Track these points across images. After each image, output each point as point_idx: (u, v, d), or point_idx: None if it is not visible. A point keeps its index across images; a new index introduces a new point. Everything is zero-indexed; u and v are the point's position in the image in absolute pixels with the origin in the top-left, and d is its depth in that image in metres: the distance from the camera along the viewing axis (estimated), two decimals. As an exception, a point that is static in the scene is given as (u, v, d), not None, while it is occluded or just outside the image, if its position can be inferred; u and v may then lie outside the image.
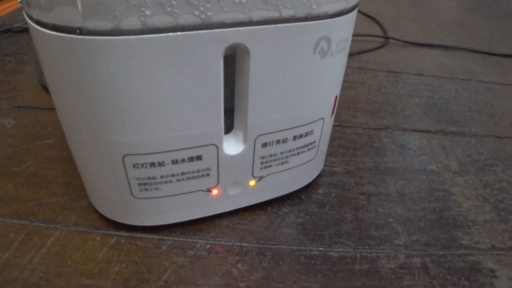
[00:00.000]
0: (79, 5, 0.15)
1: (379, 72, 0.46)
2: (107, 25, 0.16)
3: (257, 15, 0.18)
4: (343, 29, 0.21)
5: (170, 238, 0.24)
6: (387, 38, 0.53)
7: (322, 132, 0.25)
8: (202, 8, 0.16)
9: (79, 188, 0.27)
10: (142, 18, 0.16)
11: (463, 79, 0.46)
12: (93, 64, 0.17)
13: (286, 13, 0.18)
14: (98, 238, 0.24)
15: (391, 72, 0.46)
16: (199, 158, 0.21)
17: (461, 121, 0.38)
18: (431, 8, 0.71)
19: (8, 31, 0.52)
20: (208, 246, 0.24)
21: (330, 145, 0.33)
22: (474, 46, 0.55)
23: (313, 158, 0.26)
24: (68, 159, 0.30)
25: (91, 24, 0.16)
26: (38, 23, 0.16)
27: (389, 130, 0.36)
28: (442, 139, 0.35)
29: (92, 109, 0.18)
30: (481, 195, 0.29)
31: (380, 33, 0.56)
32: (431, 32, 0.60)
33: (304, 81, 0.21)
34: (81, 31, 0.16)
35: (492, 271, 0.24)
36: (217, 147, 0.21)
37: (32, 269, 0.22)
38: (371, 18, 0.60)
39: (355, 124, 0.36)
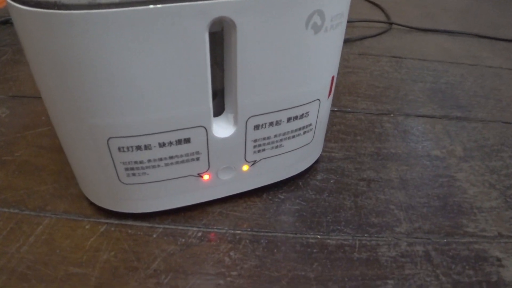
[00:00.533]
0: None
1: (382, 58, 0.44)
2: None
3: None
4: (337, 3, 0.19)
5: (161, 226, 0.23)
6: (391, 23, 0.52)
7: (319, 115, 0.24)
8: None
9: (70, 176, 0.27)
10: (119, -11, 0.15)
11: (469, 64, 0.45)
12: (71, 40, 0.16)
13: (274, -16, 0.17)
14: (87, 226, 0.23)
15: (394, 57, 0.45)
16: (187, 141, 0.20)
17: (466, 106, 0.37)
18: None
19: (5, 22, 0.52)
20: (200, 234, 0.23)
21: (330, 130, 0.32)
22: (480, 32, 0.53)
23: (310, 142, 0.25)
24: (60, 147, 0.29)
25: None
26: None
27: (392, 115, 0.34)
28: (447, 124, 0.34)
29: (73, 89, 0.17)
30: (487, 181, 0.28)
31: (383, 18, 0.55)
32: (435, 18, 0.58)
33: (297, 58, 0.20)
34: (58, 6, 0.15)
35: (498, 259, 0.22)
36: (206, 129, 0.20)
37: (19, 258, 0.21)
38: (374, 4, 0.58)
39: (356, 109, 0.35)
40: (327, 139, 0.31)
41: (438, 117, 0.35)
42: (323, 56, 0.21)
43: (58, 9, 0.15)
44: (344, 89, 0.38)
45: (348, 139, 0.31)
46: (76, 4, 0.15)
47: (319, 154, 0.28)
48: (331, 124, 0.33)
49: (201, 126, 0.20)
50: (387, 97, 0.37)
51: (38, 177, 0.27)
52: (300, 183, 0.27)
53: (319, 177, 0.27)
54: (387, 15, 0.55)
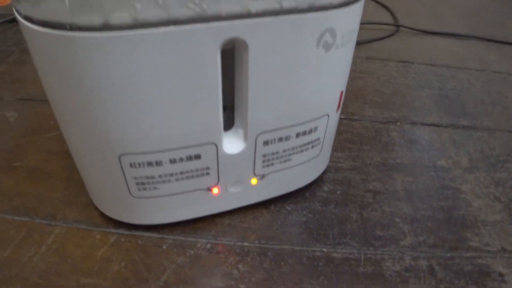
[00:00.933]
0: (66, 0, 0.14)
1: (389, 62, 0.44)
2: (96, 20, 0.15)
3: (256, 6, 0.16)
4: (349, 21, 0.19)
5: (171, 237, 0.24)
6: (398, 26, 0.51)
7: (327, 129, 0.24)
8: (196, 0, 0.15)
9: (79, 182, 0.27)
10: (132, 12, 0.15)
11: (476, 70, 0.44)
12: (83, 61, 0.16)
13: (287, 3, 0.17)
14: (98, 236, 0.24)
15: (401, 62, 0.44)
16: (198, 157, 0.20)
17: (473, 114, 0.37)
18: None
19: (12, 20, 0.51)
20: (208, 246, 0.23)
21: (337, 139, 0.32)
22: (488, 34, 0.53)
23: (318, 155, 0.25)
24: (69, 152, 0.30)
25: (79, 19, 0.15)
26: (26, 18, 0.16)
27: (398, 123, 0.34)
28: (453, 133, 0.34)
29: (84, 107, 0.18)
30: (492, 194, 0.28)
31: (390, 20, 0.54)
32: (443, 18, 0.58)
33: (307, 76, 0.20)
34: (70, 27, 0.15)
35: (501, 275, 0.23)
36: (217, 146, 0.20)
37: (31, 267, 0.22)
38: (381, 4, 0.58)
39: (363, 117, 0.35)
40: (334, 149, 0.31)
41: (445, 125, 0.35)
42: (334, 73, 0.21)
43: (71, 30, 0.15)
44: (351, 95, 0.38)
45: (355, 148, 0.31)
46: (89, 25, 0.15)
47: (326, 165, 0.28)
48: (338, 132, 0.33)
49: (212, 143, 0.20)
50: (394, 103, 0.37)
51: (48, 184, 0.27)
52: (307, 194, 0.27)
53: (325, 188, 0.28)
54: (394, 16, 0.55)
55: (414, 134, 0.33)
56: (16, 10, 0.16)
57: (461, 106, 0.38)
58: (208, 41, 0.16)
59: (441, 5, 0.62)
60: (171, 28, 0.16)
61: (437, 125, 0.35)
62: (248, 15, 0.16)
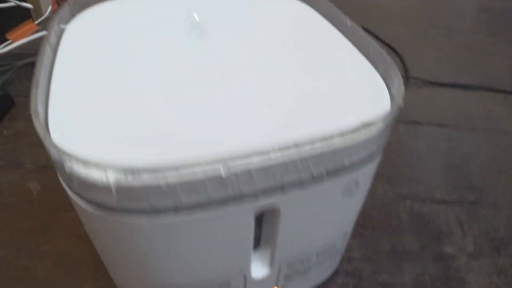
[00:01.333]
0: (114, 192, 0.16)
1: (399, 125, 0.45)
2: (142, 206, 0.16)
3: (289, 180, 0.18)
4: (372, 168, 0.21)
5: None
6: (408, 78, 0.52)
7: (343, 240, 0.25)
8: (235, 186, 0.17)
9: (108, 274, 0.29)
10: (176, 200, 0.16)
11: (483, 130, 0.46)
12: (128, 236, 0.17)
13: (317, 172, 0.18)
14: (129, 336, 0.25)
15: (411, 123, 0.46)
16: (227, 284, 0.22)
17: (479, 186, 0.38)
18: (452, 30, 0.68)
19: (29, 64, 0.45)
20: None
21: (348, 221, 0.34)
22: (495, 82, 0.53)
23: (333, 258, 0.27)
24: (95, 236, 0.31)
25: (126, 205, 0.16)
26: (76, 193, 0.17)
27: (407, 202, 0.36)
28: (459, 213, 0.35)
29: (127, 260, 0.19)
30: (494, 284, 0.30)
31: (399, 65, 0.55)
32: (452, 63, 0.58)
33: (331, 219, 0.21)
34: (116, 209, 0.16)
35: None
36: (245, 275, 0.22)
37: None
38: (392, 48, 0.58)
39: (375, 195, 0.36)
40: (346, 235, 0.32)
41: (452, 202, 0.36)
42: (355, 207, 0.22)
43: (117, 211, 0.16)
44: (361, 165, 0.39)
45: (367, 235, 0.33)
46: (135, 210, 0.16)
47: (340, 259, 0.30)
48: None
49: (241, 273, 0.22)
50: (404, 177, 0.38)
51: (79, 273, 0.29)
52: (322, 290, 0.29)
53: (339, 281, 0.29)
54: (404, 64, 0.55)
55: (423, 215, 0.35)
56: (66, 184, 0.18)
57: (467, 178, 0.39)
58: (243, 213, 0.18)
59: (450, 48, 0.62)
60: (211, 209, 0.17)
61: (445, 202, 0.36)
62: (281, 187, 0.18)
